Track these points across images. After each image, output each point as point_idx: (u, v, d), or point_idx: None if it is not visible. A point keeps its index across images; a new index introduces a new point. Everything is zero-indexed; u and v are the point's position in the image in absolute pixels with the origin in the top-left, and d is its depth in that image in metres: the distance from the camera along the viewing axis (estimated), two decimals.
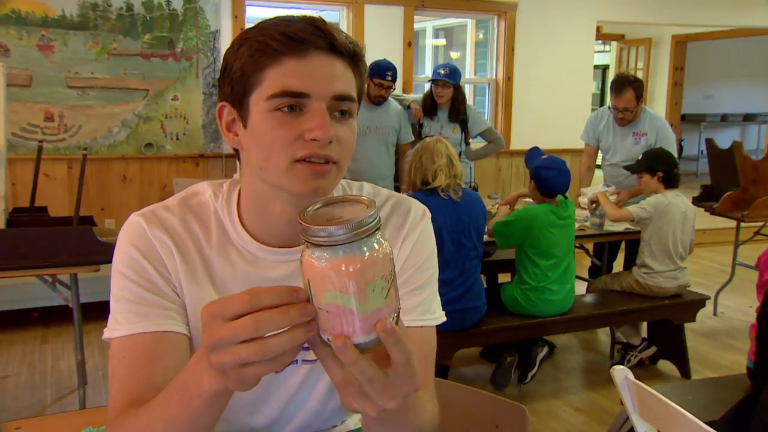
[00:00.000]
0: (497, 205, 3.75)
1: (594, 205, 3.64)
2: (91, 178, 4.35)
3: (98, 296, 3.38)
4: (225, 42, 4.59)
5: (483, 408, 1.34)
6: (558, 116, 5.72)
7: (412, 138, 4.21)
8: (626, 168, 3.67)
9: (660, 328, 3.56)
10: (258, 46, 0.84)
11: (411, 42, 5.29)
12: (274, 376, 0.62)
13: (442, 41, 8.58)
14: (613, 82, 3.91)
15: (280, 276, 0.95)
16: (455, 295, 2.86)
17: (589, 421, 3.02)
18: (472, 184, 4.46)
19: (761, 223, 4.60)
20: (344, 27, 5.06)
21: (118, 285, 0.91)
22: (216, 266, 0.95)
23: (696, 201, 4.64)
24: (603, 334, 4.05)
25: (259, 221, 0.95)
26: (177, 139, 4.60)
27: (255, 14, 4.78)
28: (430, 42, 8.46)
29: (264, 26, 0.85)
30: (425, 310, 0.99)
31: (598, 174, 4.34)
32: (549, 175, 3.07)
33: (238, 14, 4.69)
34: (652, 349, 3.55)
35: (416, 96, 4.48)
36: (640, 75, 8.83)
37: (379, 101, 4.05)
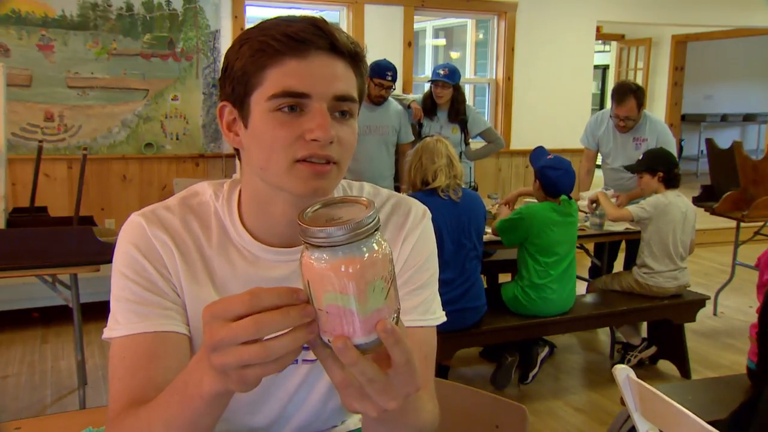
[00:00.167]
0: (497, 205, 3.75)
1: (594, 205, 3.64)
2: (91, 178, 4.35)
3: (98, 296, 3.38)
4: (225, 42, 4.59)
5: (483, 408, 1.34)
6: (558, 116, 5.72)
7: (412, 138, 4.21)
8: (627, 168, 3.67)
9: (660, 328, 3.56)
10: (259, 46, 0.84)
11: (411, 42, 5.29)
12: (274, 376, 0.62)
13: (442, 41, 8.58)
14: (614, 91, 3.89)
15: (281, 276, 0.95)
16: (455, 295, 2.86)
17: (589, 421, 3.02)
18: (472, 184, 4.46)
19: (761, 223, 4.60)
20: (344, 27, 5.05)
21: (119, 285, 0.91)
22: (216, 266, 0.95)
23: (696, 201, 4.64)
24: (603, 334, 4.04)
25: (260, 221, 0.95)
26: (177, 139, 4.60)
27: (255, 14, 4.77)
28: (430, 42, 8.46)
29: (265, 26, 0.85)
30: (425, 310, 0.99)
31: (598, 175, 4.34)
32: (555, 175, 3.07)
33: (238, 14, 4.69)
34: (652, 349, 3.56)
35: (416, 96, 4.48)
36: (640, 75, 8.84)
37: (379, 101, 4.05)
